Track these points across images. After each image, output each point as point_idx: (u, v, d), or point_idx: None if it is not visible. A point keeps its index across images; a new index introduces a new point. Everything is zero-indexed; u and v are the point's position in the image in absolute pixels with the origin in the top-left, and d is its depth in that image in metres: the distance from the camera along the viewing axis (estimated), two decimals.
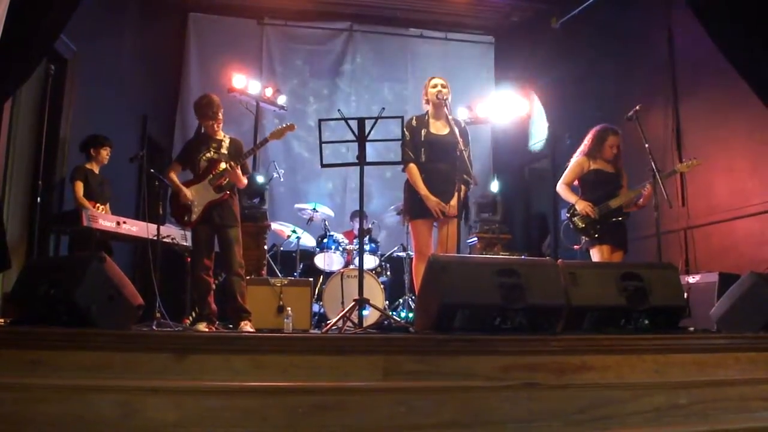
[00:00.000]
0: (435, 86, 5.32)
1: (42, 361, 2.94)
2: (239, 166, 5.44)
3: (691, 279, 5.82)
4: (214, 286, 5.46)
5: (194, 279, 5.41)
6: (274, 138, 5.63)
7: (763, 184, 6.01)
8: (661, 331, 3.80)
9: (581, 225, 5.67)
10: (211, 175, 5.40)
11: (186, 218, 5.39)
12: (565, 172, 5.89)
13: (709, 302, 5.12)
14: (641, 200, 5.67)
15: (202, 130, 5.60)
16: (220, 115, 5.54)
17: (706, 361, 3.41)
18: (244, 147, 5.66)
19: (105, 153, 6.34)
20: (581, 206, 5.64)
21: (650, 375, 3.30)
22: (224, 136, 5.60)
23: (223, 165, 5.41)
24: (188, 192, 5.38)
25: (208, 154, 5.47)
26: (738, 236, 6.26)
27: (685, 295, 4.85)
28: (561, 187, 5.86)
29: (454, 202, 5.07)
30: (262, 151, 7.33)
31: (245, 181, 5.59)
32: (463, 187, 5.07)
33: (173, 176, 5.52)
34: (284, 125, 5.68)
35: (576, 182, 5.85)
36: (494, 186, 10.10)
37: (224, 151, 5.50)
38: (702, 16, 5.21)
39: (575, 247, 5.98)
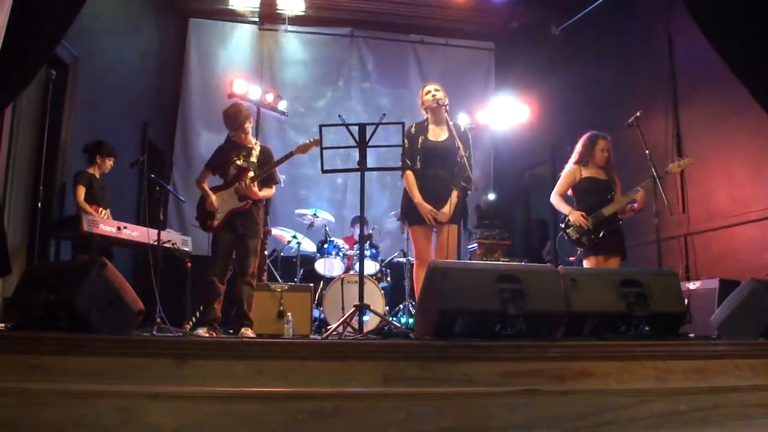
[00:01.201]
0: (428, 92, 5.34)
1: (42, 366, 2.93)
2: (264, 177, 5.49)
3: (692, 285, 5.82)
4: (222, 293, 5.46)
5: (205, 282, 5.40)
6: (299, 152, 5.66)
7: (764, 190, 6.01)
8: (661, 338, 3.79)
9: (575, 236, 5.65)
10: (239, 183, 5.42)
11: (209, 223, 5.43)
12: (558, 183, 5.88)
13: (709, 308, 5.13)
14: (636, 204, 5.64)
15: (232, 137, 5.62)
16: (247, 125, 5.57)
17: (707, 367, 3.40)
18: (273, 155, 5.68)
19: (110, 163, 6.37)
20: (574, 217, 5.62)
21: (650, 381, 3.29)
22: (255, 144, 5.63)
23: (251, 174, 5.43)
24: (214, 198, 5.40)
25: (237, 162, 5.50)
26: (738, 242, 6.26)
27: (686, 301, 4.86)
28: (554, 198, 5.84)
29: (445, 209, 5.07)
30: None
31: (261, 194, 5.60)
32: (458, 192, 5.08)
33: (204, 185, 5.57)
34: (310, 140, 5.66)
35: (570, 192, 5.84)
36: (491, 195, 10.05)
37: (254, 159, 5.53)
38: (702, 22, 5.21)
39: (570, 258, 5.96)
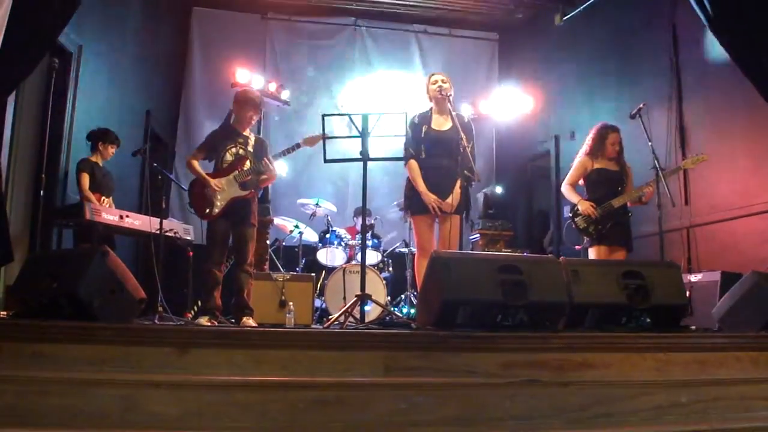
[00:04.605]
0: (435, 82, 5.33)
1: (44, 354, 2.94)
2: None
3: (693, 278, 5.82)
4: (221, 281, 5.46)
5: (203, 272, 5.40)
6: (306, 144, 5.64)
7: (766, 183, 5.99)
8: (662, 330, 3.80)
9: (583, 225, 5.68)
10: (237, 171, 5.40)
11: (207, 210, 5.38)
12: (569, 173, 5.91)
13: (710, 301, 5.12)
14: (645, 197, 5.67)
15: (231, 123, 5.61)
16: (255, 117, 5.60)
17: (708, 360, 3.41)
18: (268, 146, 5.67)
19: (112, 150, 6.35)
20: (583, 207, 5.65)
21: (651, 373, 3.30)
22: (250, 134, 5.62)
23: (248, 163, 5.42)
24: (216, 183, 5.37)
25: (233, 149, 5.47)
26: (740, 235, 6.25)
27: (687, 293, 4.85)
28: (565, 188, 5.88)
29: (449, 199, 5.07)
30: None
31: (272, 180, 5.72)
32: (464, 182, 5.08)
33: (197, 165, 5.49)
34: (318, 134, 5.63)
35: (581, 182, 5.86)
36: (498, 188, 10.03)
37: (250, 148, 5.51)
38: (706, 14, 5.19)
39: (576, 247, 5.98)
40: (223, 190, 5.38)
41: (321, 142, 5.05)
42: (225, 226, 5.42)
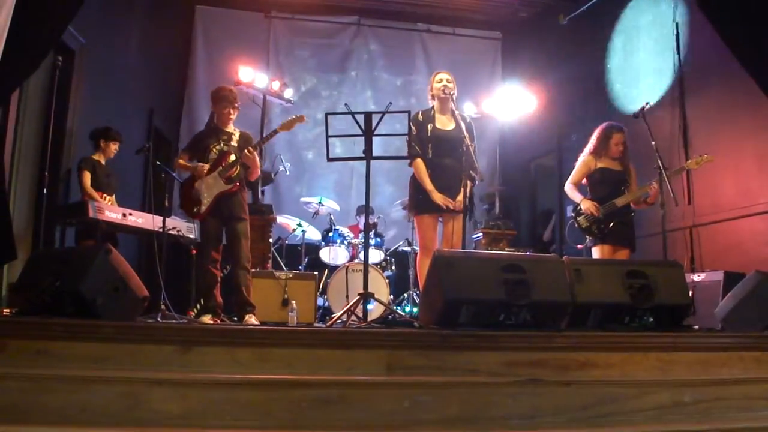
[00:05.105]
0: (440, 81, 5.32)
1: (47, 351, 2.95)
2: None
3: (696, 277, 5.81)
4: (220, 279, 5.46)
5: (201, 271, 5.41)
6: (283, 129, 5.62)
7: None
8: (665, 329, 3.80)
9: (585, 224, 5.68)
10: (221, 167, 5.40)
11: (195, 209, 5.39)
12: (573, 172, 5.91)
13: (713, 301, 5.11)
14: (650, 198, 5.66)
15: (214, 122, 5.60)
16: (233, 111, 5.56)
17: (711, 359, 3.40)
18: (253, 140, 5.67)
19: (114, 147, 6.34)
20: (586, 205, 5.65)
21: (654, 373, 3.30)
22: (234, 130, 5.61)
23: (233, 157, 5.41)
24: (203, 166, 5.37)
25: (218, 146, 5.47)
26: (743, 235, 6.24)
27: (690, 293, 4.84)
28: (568, 187, 5.87)
29: (460, 197, 5.07)
30: (268, 144, 7.35)
31: (258, 171, 5.65)
32: (468, 182, 5.07)
33: (184, 162, 5.51)
34: (294, 116, 5.67)
35: (584, 181, 5.86)
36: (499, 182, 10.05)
37: (234, 143, 5.50)
38: (710, 13, 5.19)
39: (578, 246, 5.98)
40: (210, 187, 5.38)
41: (324, 139, 5.03)
42: (216, 224, 5.43)
